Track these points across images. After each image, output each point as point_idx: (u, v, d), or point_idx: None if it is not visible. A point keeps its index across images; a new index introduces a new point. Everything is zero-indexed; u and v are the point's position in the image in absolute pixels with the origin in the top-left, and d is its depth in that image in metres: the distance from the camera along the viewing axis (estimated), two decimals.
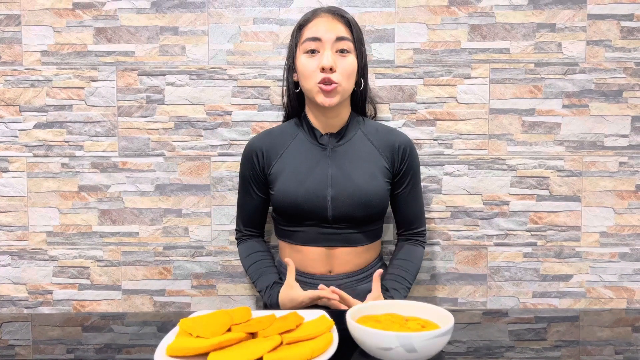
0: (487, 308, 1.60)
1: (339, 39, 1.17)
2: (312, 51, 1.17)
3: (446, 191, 1.60)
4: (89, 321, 1.00)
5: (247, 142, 1.32)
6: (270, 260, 1.31)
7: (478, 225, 1.60)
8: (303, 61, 1.18)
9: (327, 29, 1.16)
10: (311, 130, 1.24)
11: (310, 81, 1.18)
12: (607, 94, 1.58)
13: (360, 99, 1.32)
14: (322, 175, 1.19)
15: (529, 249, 1.60)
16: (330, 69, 1.15)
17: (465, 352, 0.86)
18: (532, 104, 1.59)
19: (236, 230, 1.39)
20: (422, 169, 1.57)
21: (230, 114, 1.59)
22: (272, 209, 1.32)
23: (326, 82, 1.16)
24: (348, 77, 1.19)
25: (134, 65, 1.60)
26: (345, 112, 1.26)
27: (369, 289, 1.23)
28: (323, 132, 1.24)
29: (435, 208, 1.60)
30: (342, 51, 1.17)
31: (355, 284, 1.21)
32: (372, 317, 0.88)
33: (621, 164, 1.59)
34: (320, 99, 1.17)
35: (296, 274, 1.24)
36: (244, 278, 1.62)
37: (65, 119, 1.60)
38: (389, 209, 1.35)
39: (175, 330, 0.84)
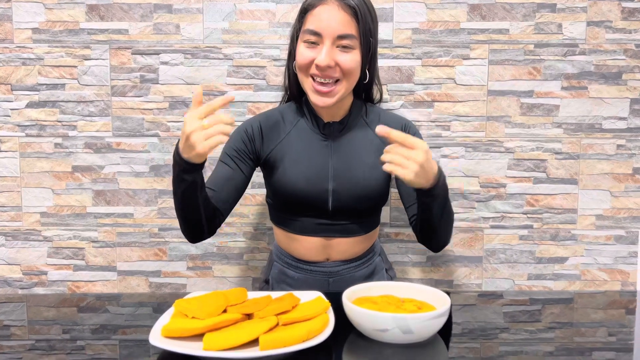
0: (482, 290, 1.61)
1: (341, 37, 1.06)
2: (312, 42, 1.08)
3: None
4: (85, 302, 1.00)
5: (243, 122, 1.22)
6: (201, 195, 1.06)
7: (474, 208, 1.60)
8: (301, 50, 1.10)
9: (329, 23, 1.05)
10: (314, 118, 1.17)
11: (305, 73, 1.10)
12: (607, 76, 1.57)
13: (364, 88, 1.23)
14: (323, 167, 1.14)
15: (525, 232, 1.60)
16: (328, 67, 1.07)
17: (460, 333, 0.86)
18: (530, 85, 1.57)
19: None
20: None
21: (225, 94, 1.57)
22: (266, 194, 1.26)
23: (321, 81, 1.08)
24: (349, 74, 1.09)
25: (128, 43, 1.57)
26: (348, 100, 1.18)
27: (366, 274, 1.22)
28: (325, 121, 1.17)
29: None
30: (344, 47, 1.08)
31: (353, 270, 1.20)
32: (368, 298, 0.88)
33: (619, 146, 1.59)
34: (315, 98, 1.10)
35: (292, 260, 1.22)
36: (240, 259, 1.61)
37: (58, 99, 1.58)
38: (397, 197, 1.28)
39: (170, 311, 0.84)
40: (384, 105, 1.56)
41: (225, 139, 0.91)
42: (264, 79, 1.57)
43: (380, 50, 1.54)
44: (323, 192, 1.13)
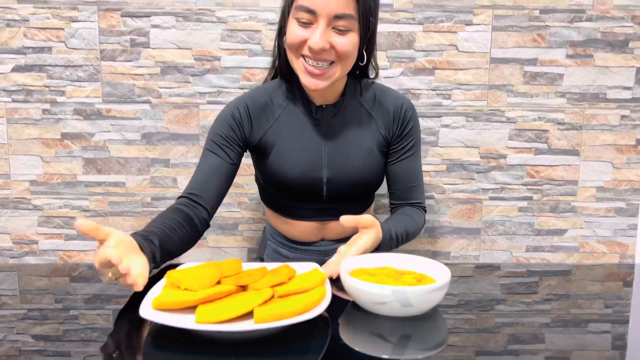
0: (479, 262, 1.59)
1: (338, 17, 0.94)
2: (305, 22, 0.96)
3: (443, 144, 1.55)
4: (77, 271, 0.97)
5: (228, 105, 1.09)
6: (174, 233, 0.94)
7: (474, 179, 1.57)
8: (292, 28, 0.97)
9: (326, 1, 0.93)
10: (305, 101, 1.07)
11: (296, 53, 0.99)
12: (613, 44, 1.52)
13: (359, 66, 1.10)
14: (317, 155, 1.06)
15: (524, 203, 1.58)
16: (322, 50, 0.96)
17: (456, 304, 0.84)
18: (535, 53, 1.52)
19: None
20: (419, 120, 1.52)
21: (219, 60, 1.52)
22: (255, 175, 1.20)
23: (314, 64, 0.97)
24: (345, 57, 0.98)
25: (117, 5, 1.50)
26: (342, 81, 1.08)
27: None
28: (318, 104, 1.07)
29: (431, 161, 1.56)
30: (340, 29, 0.96)
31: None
32: (365, 270, 0.86)
33: (623, 117, 1.55)
34: (306, 80, 0.99)
35: (286, 240, 1.18)
36: (235, 230, 1.59)
37: (45, 62, 1.52)
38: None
39: (162, 283, 0.81)
40: (383, 73, 1.51)
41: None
42: (259, 44, 1.51)
43: (380, 15, 1.47)
44: (317, 181, 1.07)
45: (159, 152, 1.55)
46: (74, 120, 1.54)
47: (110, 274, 0.78)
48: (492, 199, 1.58)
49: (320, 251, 1.16)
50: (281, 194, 1.10)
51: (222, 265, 0.86)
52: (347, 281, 0.79)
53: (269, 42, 1.51)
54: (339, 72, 0.99)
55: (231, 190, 1.54)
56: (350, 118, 1.09)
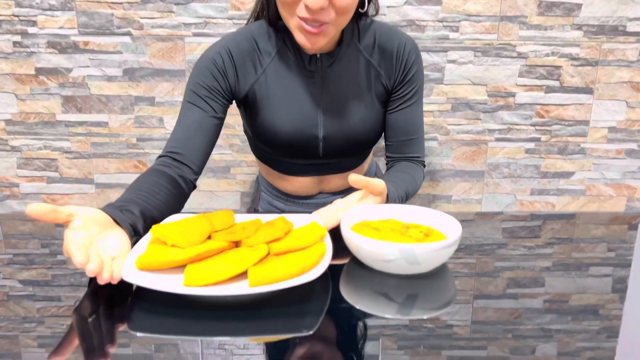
0: (482, 205, 1.54)
1: None
2: None
3: (448, 81, 1.45)
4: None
5: (207, 50, 0.94)
6: (156, 197, 0.82)
7: (480, 119, 1.48)
8: None
9: None
10: (297, 51, 0.94)
11: (290, 12, 0.85)
12: None
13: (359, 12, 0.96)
14: (311, 111, 0.95)
15: (531, 145, 1.50)
16: (321, 9, 0.83)
17: (456, 248, 0.80)
18: None
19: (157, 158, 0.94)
20: (424, 56, 1.40)
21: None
22: (244, 127, 1.08)
23: (311, 22, 0.84)
24: (345, 12, 0.86)
25: None
26: None
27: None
28: (311, 54, 0.94)
29: (436, 100, 1.46)
30: None
31: None
32: (368, 223, 0.79)
33: None
34: (301, 39, 0.86)
35: (281, 194, 1.10)
36: (227, 173, 1.51)
37: None
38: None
39: (147, 238, 0.74)
40: (385, 1, 1.38)
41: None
42: None
43: None
44: (312, 139, 0.97)
45: (142, 90, 1.44)
46: (48, 54, 1.41)
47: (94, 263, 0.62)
48: (498, 140, 1.50)
49: (318, 204, 1.08)
50: (273, 151, 1.01)
51: (212, 218, 0.79)
52: (350, 237, 0.72)
53: None
54: (338, 27, 0.87)
55: (222, 131, 1.45)
56: (348, 68, 0.97)
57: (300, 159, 1.01)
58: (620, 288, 0.70)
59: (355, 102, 0.97)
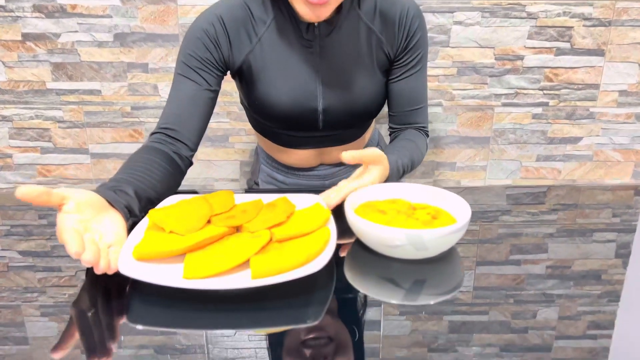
0: (486, 174, 1.51)
1: None
2: None
3: (454, 43, 1.39)
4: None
5: (197, 19, 0.89)
6: (152, 176, 0.78)
7: (486, 84, 1.43)
8: None
9: None
10: (293, 18, 0.88)
11: None
12: None
13: None
14: (310, 83, 0.90)
15: (539, 110, 1.46)
16: None
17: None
18: None
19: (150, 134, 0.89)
20: (429, 17, 1.34)
21: None
22: (240, 98, 1.03)
23: None
24: None
25: None
26: None
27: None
28: (309, 22, 0.88)
29: (441, 64, 1.40)
30: None
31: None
32: (374, 204, 0.76)
33: None
34: (304, 11, 0.81)
35: (281, 166, 1.07)
36: (226, 142, 1.47)
37: None
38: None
39: (144, 223, 0.71)
40: None
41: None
42: None
43: None
44: (312, 111, 0.92)
45: (135, 56, 1.38)
46: (34, 19, 1.34)
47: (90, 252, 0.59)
48: (504, 105, 1.45)
49: (319, 176, 1.05)
50: (271, 124, 0.96)
51: (211, 200, 0.76)
52: (354, 221, 0.69)
53: None
54: None
55: (219, 98, 1.40)
56: (347, 36, 0.91)
57: (300, 132, 0.97)
58: (623, 253, 0.70)
59: (356, 72, 0.92)
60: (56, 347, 0.52)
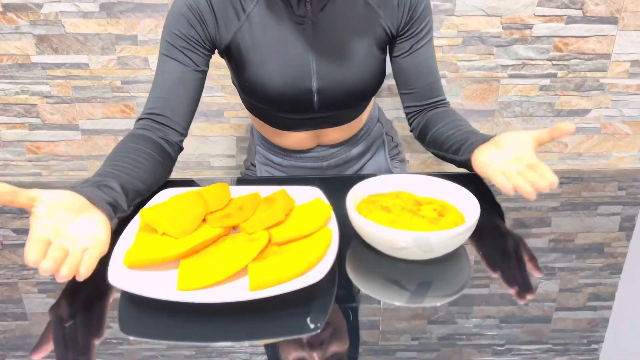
0: None
1: None
2: None
3: (459, 12, 1.31)
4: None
5: None
6: (139, 166, 0.73)
7: (493, 54, 1.36)
8: None
9: None
10: None
11: None
12: None
13: None
14: (303, 62, 0.84)
15: (547, 81, 1.40)
16: None
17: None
18: None
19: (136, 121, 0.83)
20: None
21: None
22: (232, 78, 0.96)
23: None
24: None
25: None
26: None
27: (363, 148, 1.04)
28: None
29: (445, 34, 1.33)
30: None
31: (348, 149, 1.02)
32: (377, 199, 0.72)
33: None
34: None
35: (277, 149, 1.02)
36: (221, 117, 1.41)
37: None
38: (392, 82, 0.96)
39: (135, 223, 0.67)
40: None
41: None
42: None
43: None
44: (306, 92, 0.87)
45: (123, 27, 1.31)
46: None
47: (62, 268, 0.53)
48: (511, 76, 1.39)
49: (317, 157, 1.01)
50: (264, 105, 0.91)
51: (206, 196, 0.72)
52: (357, 221, 0.65)
53: None
54: None
55: (212, 72, 1.34)
56: (342, 11, 0.84)
57: (294, 114, 0.92)
58: (628, 226, 0.69)
59: (352, 49, 0.86)
60: (35, 350, 0.49)
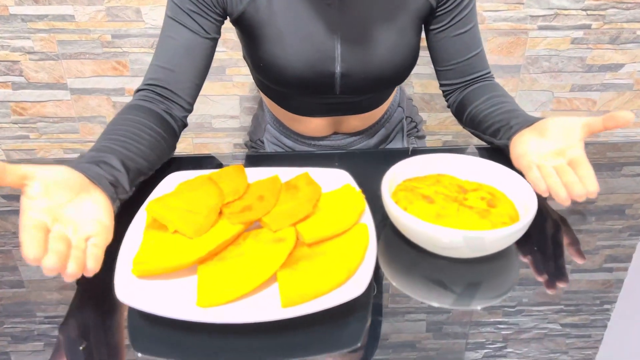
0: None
1: None
2: None
3: None
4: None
5: None
6: (141, 141, 0.63)
7: (523, 3, 1.23)
8: None
9: None
10: None
11: None
12: None
13: None
14: (327, 43, 0.74)
15: (579, 33, 1.28)
16: None
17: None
18: None
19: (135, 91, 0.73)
20: None
21: None
22: (243, 53, 0.84)
23: None
24: None
25: None
26: None
27: (383, 135, 0.94)
28: None
29: None
30: None
31: (367, 138, 0.91)
32: (415, 186, 0.63)
33: None
34: None
35: (293, 135, 0.91)
36: (223, 74, 1.29)
37: None
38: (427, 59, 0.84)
39: (141, 219, 0.58)
40: None
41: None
42: None
43: None
44: (328, 76, 0.76)
45: None
46: None
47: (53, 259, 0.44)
48: (540, 28, 1.27)
49: (332, 146, 0.91)
50: (279, 88, 0.80)
51: (221, 183, 0.63)
52: (398, 216, 0.57)
53: None
54: None
55: None
56: None
57: (313, 98, 0.81)
58: None
59: (383, 31, 0.74)
60: None
